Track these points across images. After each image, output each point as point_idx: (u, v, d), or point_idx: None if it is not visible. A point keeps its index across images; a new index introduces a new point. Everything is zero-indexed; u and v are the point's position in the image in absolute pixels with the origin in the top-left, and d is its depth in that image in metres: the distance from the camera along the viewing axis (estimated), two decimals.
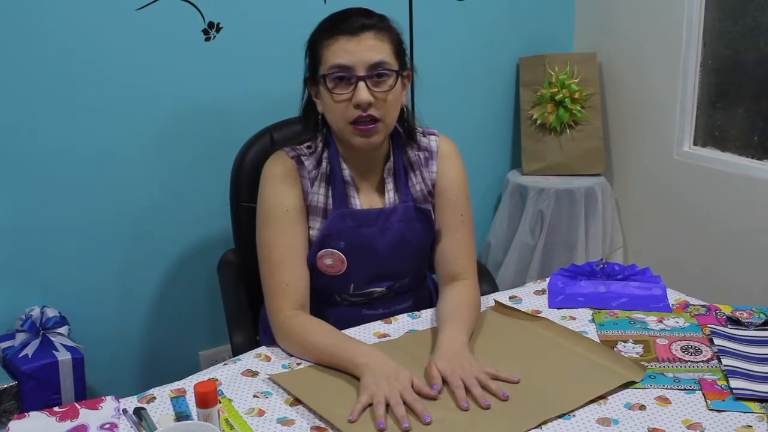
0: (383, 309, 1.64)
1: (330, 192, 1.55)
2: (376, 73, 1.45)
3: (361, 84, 1.43)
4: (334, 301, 1.62)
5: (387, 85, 1.46)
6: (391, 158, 1.58)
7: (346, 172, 1.55)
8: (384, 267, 1.58)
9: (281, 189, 1.52)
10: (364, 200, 1.57)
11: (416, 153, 1.61)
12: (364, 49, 1.44)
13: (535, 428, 1.18)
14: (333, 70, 1.45)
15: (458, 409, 1.23)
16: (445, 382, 1.29)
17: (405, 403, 1.23)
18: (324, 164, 1.56)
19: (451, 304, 1.51)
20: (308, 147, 1.57)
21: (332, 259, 1.54)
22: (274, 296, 1.50)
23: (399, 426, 1.19)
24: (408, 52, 1.55)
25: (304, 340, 1.42)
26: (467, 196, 1.63)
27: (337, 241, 1.53)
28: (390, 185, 1.58)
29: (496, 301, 1.61)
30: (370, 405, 1.23)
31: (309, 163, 1.55)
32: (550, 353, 1.40)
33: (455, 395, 1.25)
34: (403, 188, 1.58)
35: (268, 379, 1.34)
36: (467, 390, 1.26)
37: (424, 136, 1.63)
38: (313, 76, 1.52)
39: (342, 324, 1.49)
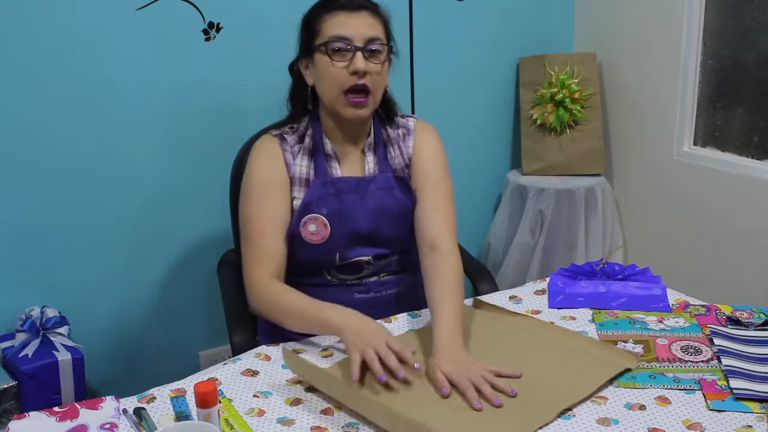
0: (374, 292, 1.66)
1: (312, 164, 1.61)
2: (371, 47, 1.53)
3: (359, 54, 1.52)
4: (325, 281, 1.64)
5: (380, 59, 1.56)
6: (372, 134, 1.65)
7: (329, 146, 1.62)
8: (367, 232, 1.62)
9: (263, 164, 1.61)
10: (345, 172, 1.63)
11: (395, 131, 1.68)
12: (362, 24, 1.54)
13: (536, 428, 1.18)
14: (333, 39, 1.53)
15: (471, 409, 1.22)
16: (452, 384, 1.28)
17: (393, 352, 1.29)
18: (307, 140, 1.63)
19: (438, 289, 1.50)
20: (291, 128, 1.65)
21: (315, 225, 1.58)
22: (250, 263, 1.57)
23: (395, 376, 1.26)
24: (394, 37, 1.64)
25: (283, 304, 1.51)
26: (444, 167, 1.68)
27: (319, 208, 1.59)
28: (370, 158, 1.65)
29: (476, 300, 1.62)
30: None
31: (291, 139, 1.63)
32: (543, 348, 1.41)
33: (466, 396, 1.25)
34: (383, 161, 1.65)
35: (284, 352, 1.37)
36: (477, 390, 1.26)
37: (403, 118, 1.71)
38: (307, 49, 1.59)
39: None
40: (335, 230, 1.59)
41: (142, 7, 2.11)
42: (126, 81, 2.14)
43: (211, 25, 2.22)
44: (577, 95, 2.74)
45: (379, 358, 1.29)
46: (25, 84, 2.01)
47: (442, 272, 1.53)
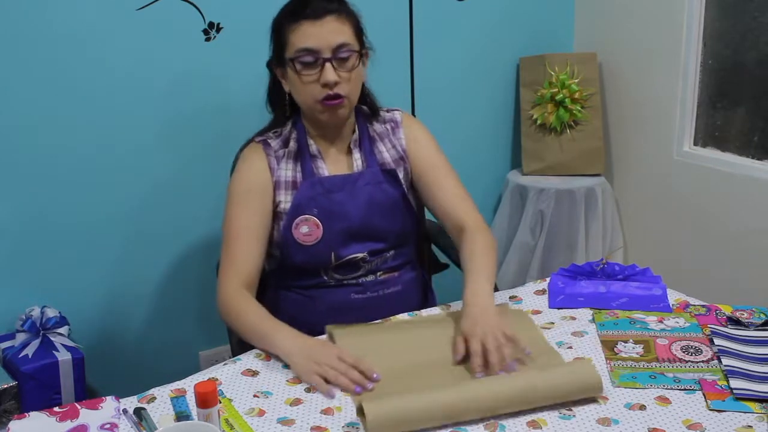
0: (371, 292, 1.66)
1: (299, 167, 1.62)
2: (340, 54, 1.52)
3: (328, 65, 1.51)
4: (323, 282, 1.64)
5: (350, 64, 1.55)
6: (356, 131, 1.66)
7: (314, 147, 1.63)
8: (359, 228, 1.62)
9: (246, 171, 1.63)
10: (332, 171, 1.64)
11: (382, 125, 1.69)
12: (328, 32, 1.51)
13: (535, 429, 1.18)
14: (300, 53, 1.52)
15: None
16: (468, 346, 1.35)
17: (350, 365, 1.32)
18: (292, 143, 1.63)
19: (467, 254, 1.57)
20: (275, 132, 1.66)
21: (308, 226, 1.59)
22: (223, 270, 1.59)
23: (364, 387, 1.27)
24: (365, 33, 1.62)
25: (239, 316, 1.53)
26: (438, 151, 1.71)
27: (309, 209, 1.59)
28: (357, 155, 1.65)
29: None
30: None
31: (275, 143, 1.64)
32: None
33: (472, 361, 1.31)
34: (369, 157, 1.65)
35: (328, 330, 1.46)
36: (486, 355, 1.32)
37: (388, 112, 1.72)
38: (279, 59, 1.59)
39: (332, 311, 1.55)
40: (328, 229, 1.60)
41: (142, 7, 2.11)
42: (126, 81, 2.14)
43: (211, 25, 2.22)
44: (577, 95, 2.74)
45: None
46: (24, 84, 2.01)
47: (473, 241, 1.59)
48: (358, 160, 1.65)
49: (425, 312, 1.60)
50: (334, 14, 1.53)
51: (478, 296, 1.45)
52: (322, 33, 1.51)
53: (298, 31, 1.52)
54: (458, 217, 1.65)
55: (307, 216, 1.59)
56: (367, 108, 1.70)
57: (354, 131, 1.66)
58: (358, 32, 1.59)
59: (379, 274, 1.67)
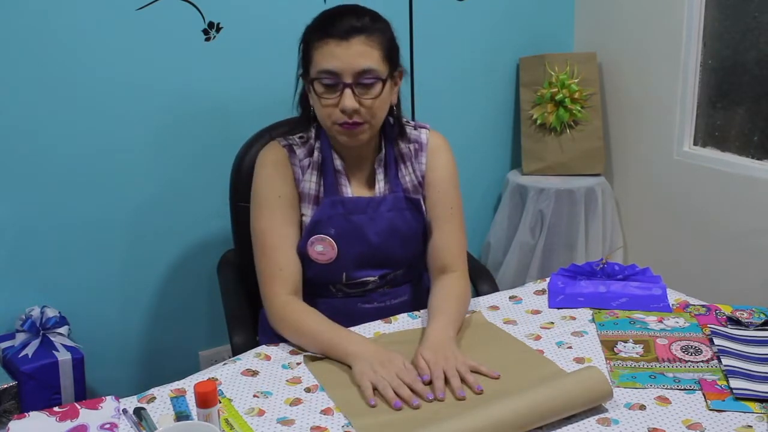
0: (378, 302, 1.65)
1: (321, 180, 1.58)
2: (362, 81, 1.46)
3: (347, 91, 1.45)
4: (329, 293, 1.64)
5: (374, 92, 1.48)
6: (383, 150, 1.61)
7: (338, 162, 1.58)
8: (375, 254, 1.60)
9: (273, 176, 1.56)
10: (355, 190, 1.60)
11: (407, 145, 1.64)
12: (353, 55, 1.44)
13: (535, 428, 1.18)
14: (321, 75, 1.46)
15: (435, 402, 1.26)
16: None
17: (405, 384, 1.27)
18: (316, 154, 1.59)
19: (440, 296, 1.55)
20: (300, 137, 1.61)
21: (323, 246, 1.56)
22: (268, 281, 1.54)
23: (409, 405, 1.23)
24: (400, 49, 1.57)
25: (298, 325, 1.47)
26: (456, 188, 1.66)
27: (327, 228, 1.56)
28: (380, 176, 1.61)
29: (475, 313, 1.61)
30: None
31: (300, 152, 1.58)
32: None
33: (434, 385, 1.29)
34: (393, 179, 1.61)
35: (303, 357, 1.41)
36: (447, 381, 1.30)
37: (416, 129, 1.66)
38: (305, 74, 1.54)
39: (337, 317, 1.51)
40: (343, 251, 1.57)
41: (142, 7, 2.11)
42: (126, 81, 2.13)
43: (211, 25, 2.22)
44: (577, 95, 2.74)
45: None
46: (25, 84, 2.01)
47: (448, 286, 1.57)
48: (381, 181, 1.60)
49: (424, 312, 1.60)
50: (363, 35, 1.44)
51: (440, 333, 1.41)
52: (347, 56, 1.43)
53: (323, 50, 1.45)
54: (444, 260, 1.61)
55: (323, 236, 1.55)
56: (396, 124, 1.63)
57: (380, 150, 1.61)
58: (389, 53, 1.50)
59: (386, 287, 1.66)
